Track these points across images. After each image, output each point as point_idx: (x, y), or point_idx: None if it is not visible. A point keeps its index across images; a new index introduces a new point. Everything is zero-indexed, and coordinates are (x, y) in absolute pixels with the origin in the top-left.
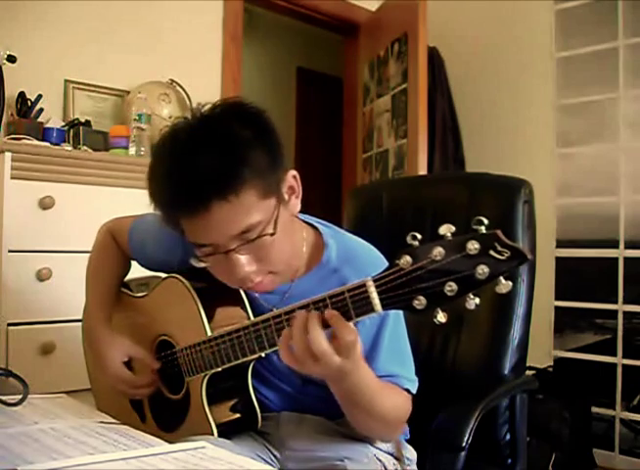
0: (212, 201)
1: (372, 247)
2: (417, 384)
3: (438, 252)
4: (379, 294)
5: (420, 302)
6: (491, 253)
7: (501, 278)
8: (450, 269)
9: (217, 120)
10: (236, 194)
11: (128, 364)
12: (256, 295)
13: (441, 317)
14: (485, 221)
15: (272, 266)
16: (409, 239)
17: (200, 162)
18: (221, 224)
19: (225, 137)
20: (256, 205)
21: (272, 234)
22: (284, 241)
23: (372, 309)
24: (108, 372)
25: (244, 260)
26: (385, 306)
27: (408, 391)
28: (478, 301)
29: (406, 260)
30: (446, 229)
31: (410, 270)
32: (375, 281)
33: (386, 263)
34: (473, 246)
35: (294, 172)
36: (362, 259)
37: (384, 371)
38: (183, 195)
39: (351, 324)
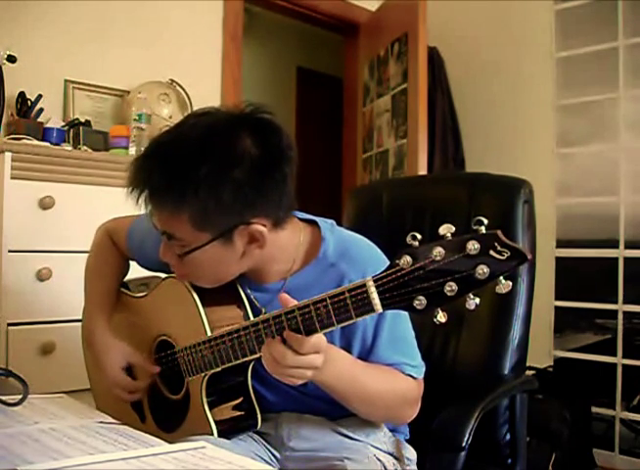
0: (152, 199)
1: (370, 243)
2: (423, 369)
3: (438, 252)
4: (379, 294)
5: (420, 302)
6: (491, 253)
7: (501, 278)
8: (450, 269)
9: (215, 144)
10: (170, 208)
11: (128, 366)
12: (249, 291)
13: (441, 317)
14: (485, 221)
15: (186, 271)
16: (409, 239)
17: (165, 167)
18: (156, 214)
19: (197, 165)
20: (185, 227)
21: (179, 255)
22: (206, 267)
23: (372, 309)
24: (107, 377)
25: (166, 249)
26: (385, 306)
27: (412, 376)
28: (478, 301)
29: (406, 260)
30: (446, 229)
31: (410, 270)
32: (375, 281)
33: (383, 259)
34: (473, 246)
35: (261, 229)
36: (359, 254)
37: (385, 361)
38: (139, 182)
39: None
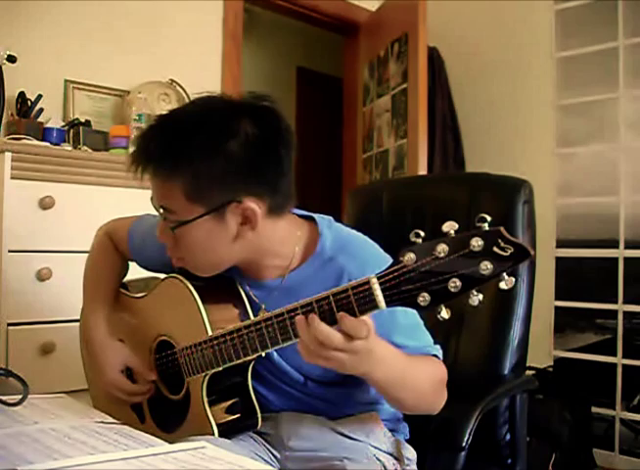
0: (148, 168)
1: (367, 238)
2: (441, 350)
3: (442, 249)
4: (383, 291)
5: (424, 298)
6: (495, 249)
7: (504, 274)
8: (454, 266)
9: (212, 117)
10: (164, 177)
11: (128, 369)
12: (247, 289)
13: (445, 313)
14: (489, 218)
15: (180, 254)
16: (412, 236)
17: (162, 136)
18: (152, 186)
19: (193, 135)
20: (178, 198)
21: (172, 228)
22: (199, 246)
23: (376, 306)
24: (105, 380)
25: (163, 229)
26: (389, 303)
27: (437, 357)
28: (481, 297)
29: (410, 257)
30: (449, 226)
31: (414, 267)
32: (379, 278)
33: (382, 254)
34: (476, 242)
35: (254, 207)
36: (358, 249)
37: (408, 350)
38: (138, 153)
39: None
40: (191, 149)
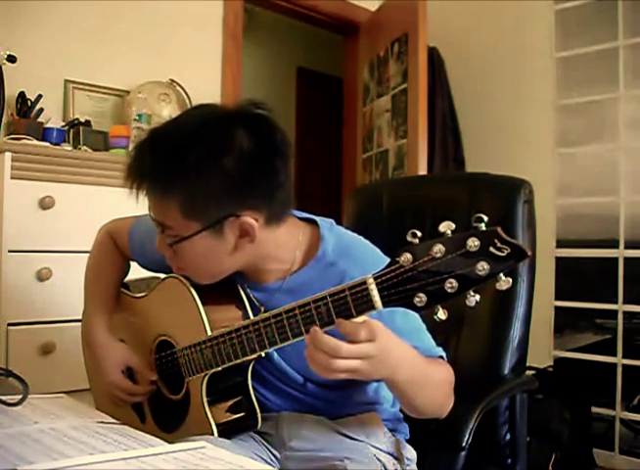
0: (142, 186)
1: (369, 242)
2: (444, 352)
3: (439, 249)
4: (379, 291)
5: (420, 299)
6: (491, 249)
7: (501, 275)
8: (450, 266)
9: (206, 132)
10: (159, 195)
11: (129, 369)
12: (248, 291)
13: (442, 314)
14: (485, 218)
15: (180, 264)
16: (409, 236)
17: (156, 152)
18: (149, 202)
19: (187, 151)
20: (175, 215)
21: (170, 244)
22: (198, 259)
23: (372, 307)
24: (107, 380)
25: (161, 241)
26: (385, 304)
27: (443, 357)
28: (478, 297)
29: (406, 258)
30: (446, 227)
31: (410, 268)
32: (375, 278)
33: (383, 258)
34: (473, 243)
35: (251, 222)
36: (359, 253)
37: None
38: (132, 170)
39: (356, 319)
40: (185, 166)
